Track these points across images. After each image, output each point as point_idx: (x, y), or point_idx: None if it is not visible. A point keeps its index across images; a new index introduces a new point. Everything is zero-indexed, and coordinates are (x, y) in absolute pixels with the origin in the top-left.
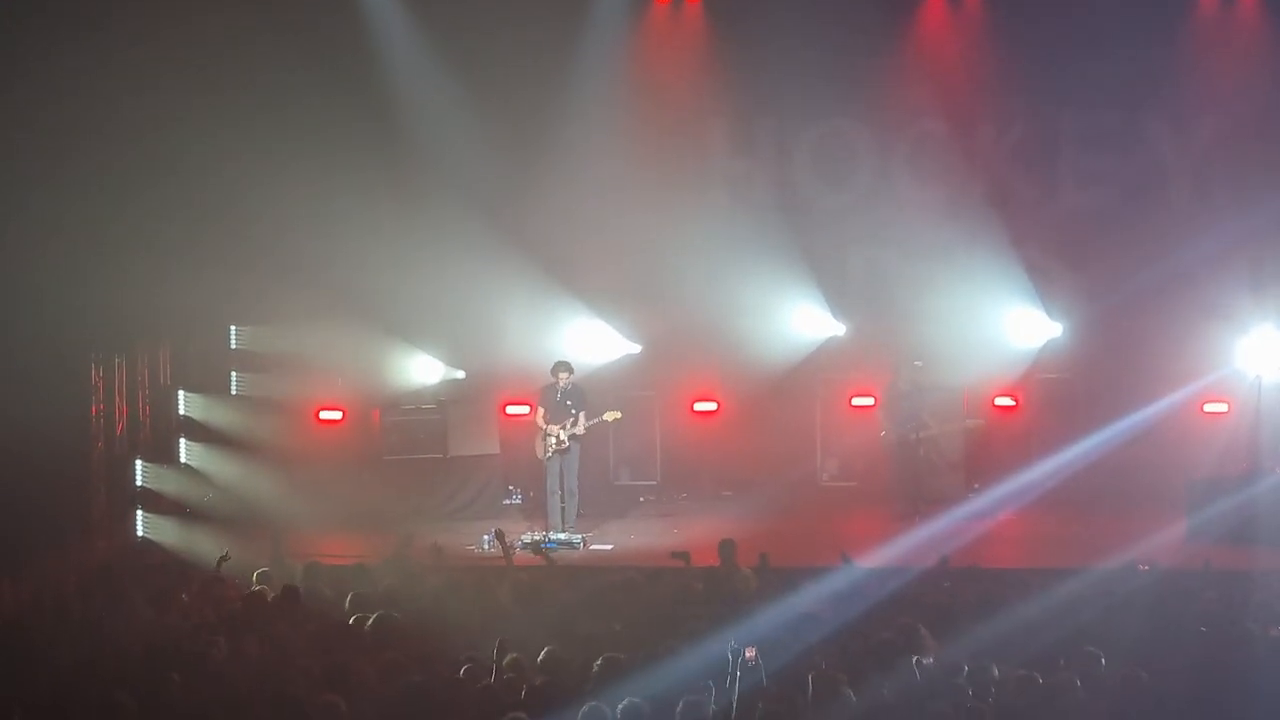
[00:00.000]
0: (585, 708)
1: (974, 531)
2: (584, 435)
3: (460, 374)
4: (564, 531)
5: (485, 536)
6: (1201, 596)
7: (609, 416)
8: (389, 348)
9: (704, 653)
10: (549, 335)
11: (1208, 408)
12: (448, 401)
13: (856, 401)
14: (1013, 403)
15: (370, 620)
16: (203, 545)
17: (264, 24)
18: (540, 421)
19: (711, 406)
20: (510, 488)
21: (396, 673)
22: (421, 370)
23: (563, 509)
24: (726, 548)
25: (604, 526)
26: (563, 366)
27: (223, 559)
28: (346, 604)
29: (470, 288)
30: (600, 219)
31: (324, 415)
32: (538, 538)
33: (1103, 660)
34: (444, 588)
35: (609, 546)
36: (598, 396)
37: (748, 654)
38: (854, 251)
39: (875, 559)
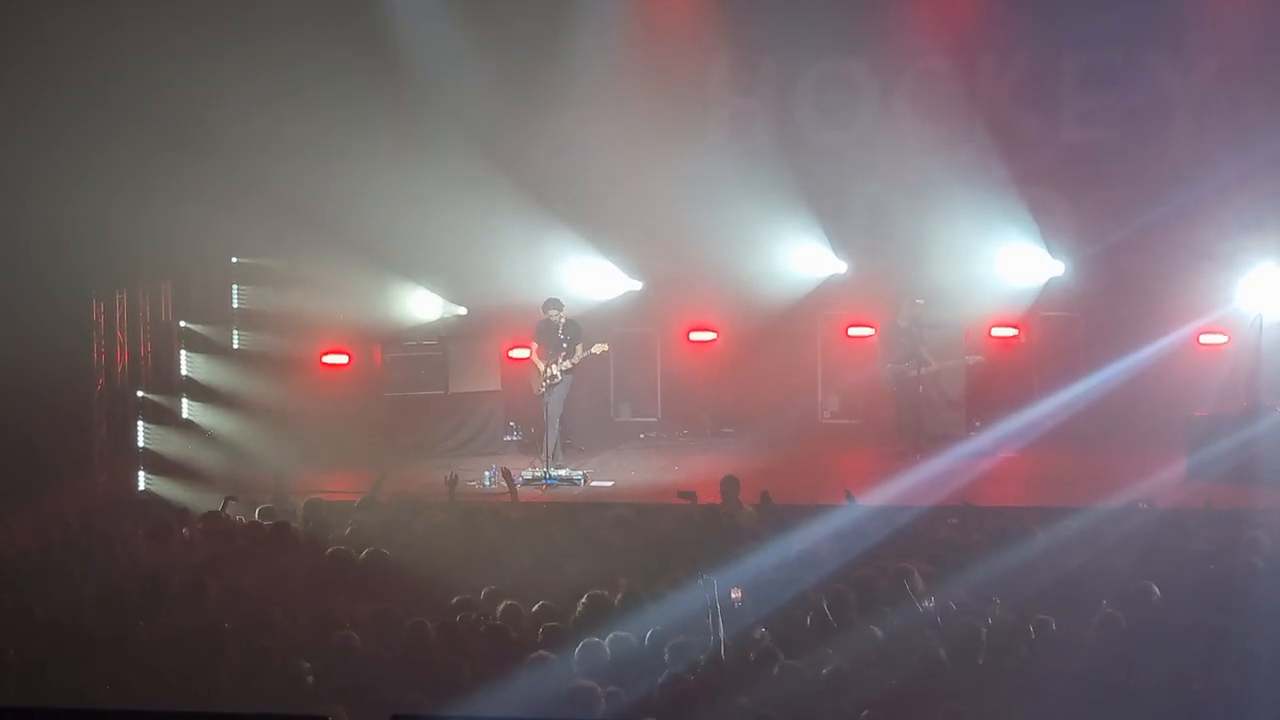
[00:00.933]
0: (581, 644)
1: (975, 470)
2: (574, 369)
3: (461, 310)
4: (561, 466)
5: (487, 472)
6: (1200, 535)
7: (597, 349)
8: (390, 283)
9: (698, 593)
10: (549, 271)
11: (1205, 339)
12: (449, 338)
13: (854, 332)
14: (1014, 332)
15: (362, 555)
16: (206, 497)
17: None
18: (536, 357)
19: (710, 336)
20: (511, 424)
21: (385, 617)
22: (422, 306)
23: (551, 443)
24: (729, 485)
25: (604, 463)
26: (553, 304)
27: (229, 499)
28: (346, 536)
29: (470, 223)
30: (601, 156)
31: (329, 360)
32: (538, 474)
33: (1104, 603)
34: (442, 525)
35: (609, 483)
36: (594, 332)
37: (734, 594)
38: (855, 189)
39: (877, 497)
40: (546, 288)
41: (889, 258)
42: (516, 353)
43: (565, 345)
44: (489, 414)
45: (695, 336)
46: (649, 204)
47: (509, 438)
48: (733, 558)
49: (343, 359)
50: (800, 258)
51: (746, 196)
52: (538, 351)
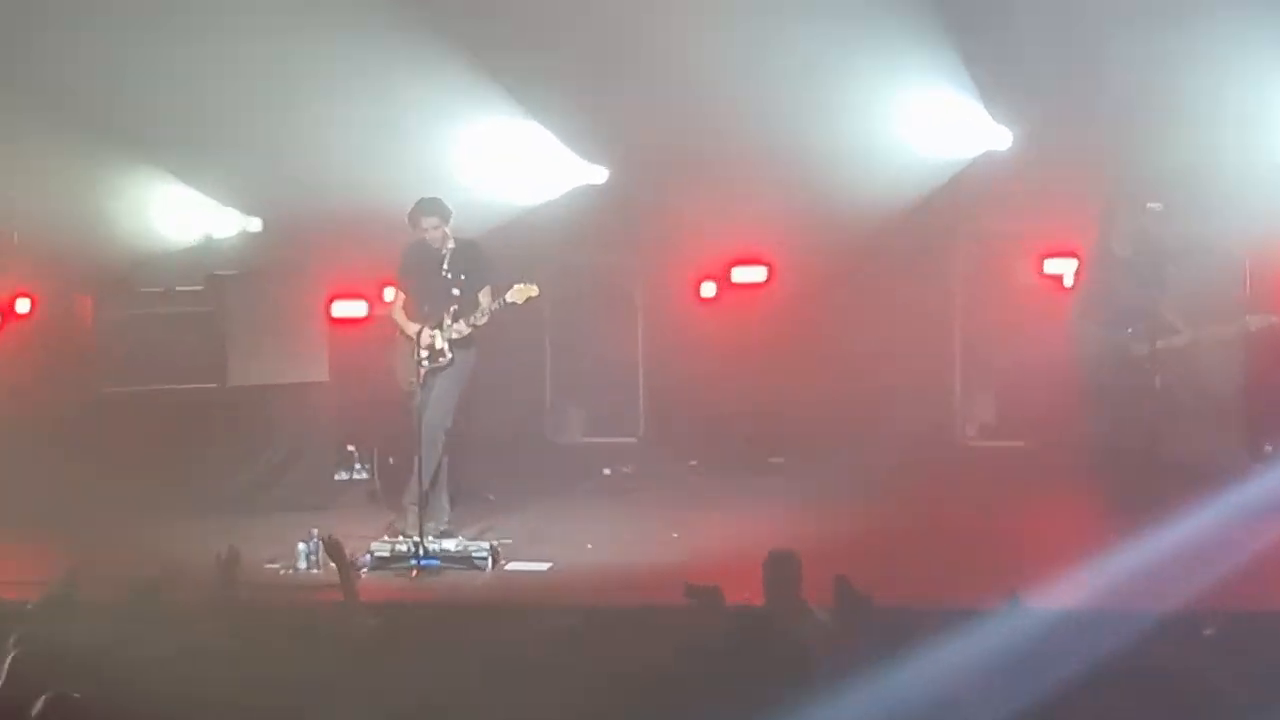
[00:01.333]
0: None
1: (1263, 540)
2: (474, 338)
3: (254, 224)
4: (450, 534)
5: (302, 545)
6: None
7: (516, 295)
8: (114, 176)
9: None
10: (428, 149)
11: None
12: (228, 281)
13: (1051, 267)
14: None
15: (37, 707)
16: None
17: None
18: (401, 316)
19: (753, 276)
20: (349, 449)
21: None
22: (177, 218)
23: (427, 482)
24: (781, 568)
25: (536, 525)
26: (428, 209)
27: None
28: (4, 667)
29: (278, 71)
30: None
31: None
32: (402, 548)
33: None
34: (207, 648)
35: (543, 566)
36: (514, 266)
37: None
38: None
39: (1067, 594)
40: (419, 184)
41: (1090, 124)
42: (352, 308)
43: (458, 292)
44: (306, 430)
45: (707, 291)
46: (627, 21)
47: (345, 475)
48: (789, 714)
49: (23, 305)
50: (926, 123)
51: (819, 11)
52: (405, 305)
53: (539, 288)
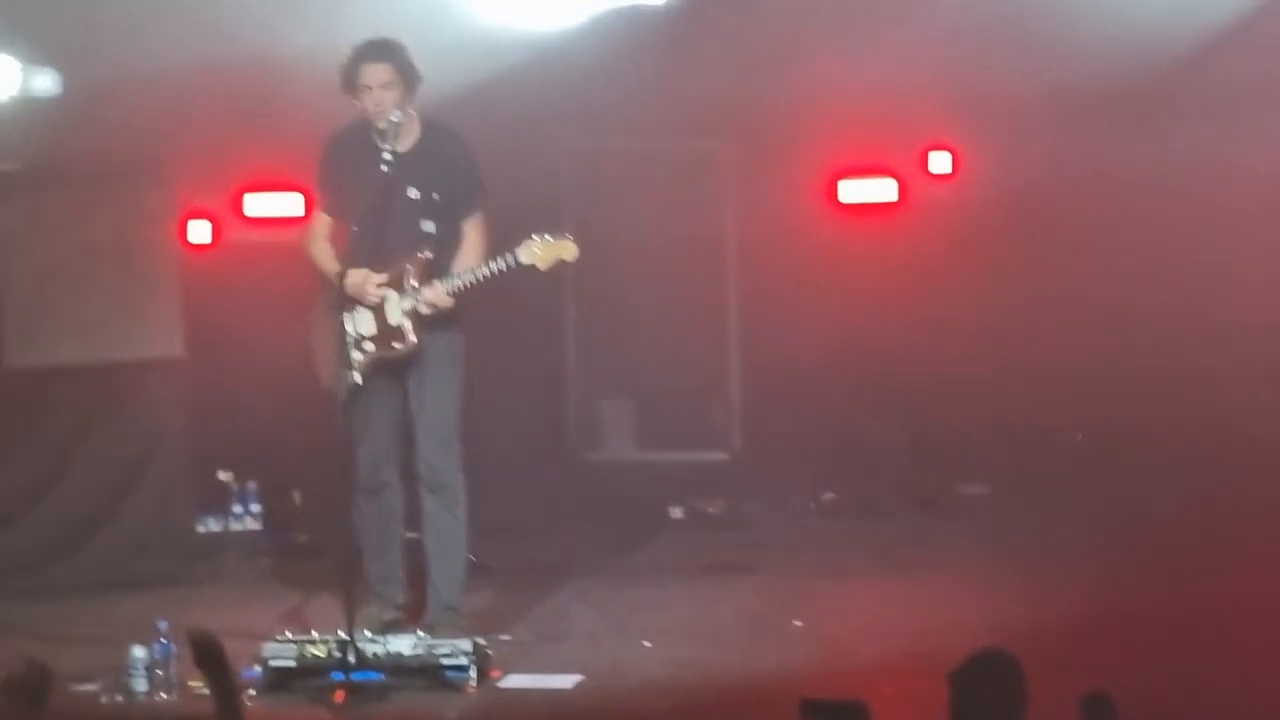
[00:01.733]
0: None
1: None
2: (453, 309)
3: (46, 80)
4: (403, 627)
5: (139, 651)
6: None
7: (536, 255)
8: None
9: None
10: None
11: None
12: (2, 179)
13: None
14: None
15: None
16: None
17: None
18: (321, 252)
19: (944, 163)
20: (221, 477)
21: None
22: None
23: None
24: (980, 679)
25: (553, 601)
26: (375, 52)
27: None
28: None
29: None
30: None
31: None
32: (317, 649)
33: None
34: None
35: (568, 681)
36: (534, 197)
37: None
38: None
39: None
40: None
41: None
42: (197, 228)
43: (431, 226)
44: (145, 445)
45: (849, 194)
46: None
47: (214, 524)
48: None
49: None
50: None
51: None
52: (333, 235)
53: (576, 244)
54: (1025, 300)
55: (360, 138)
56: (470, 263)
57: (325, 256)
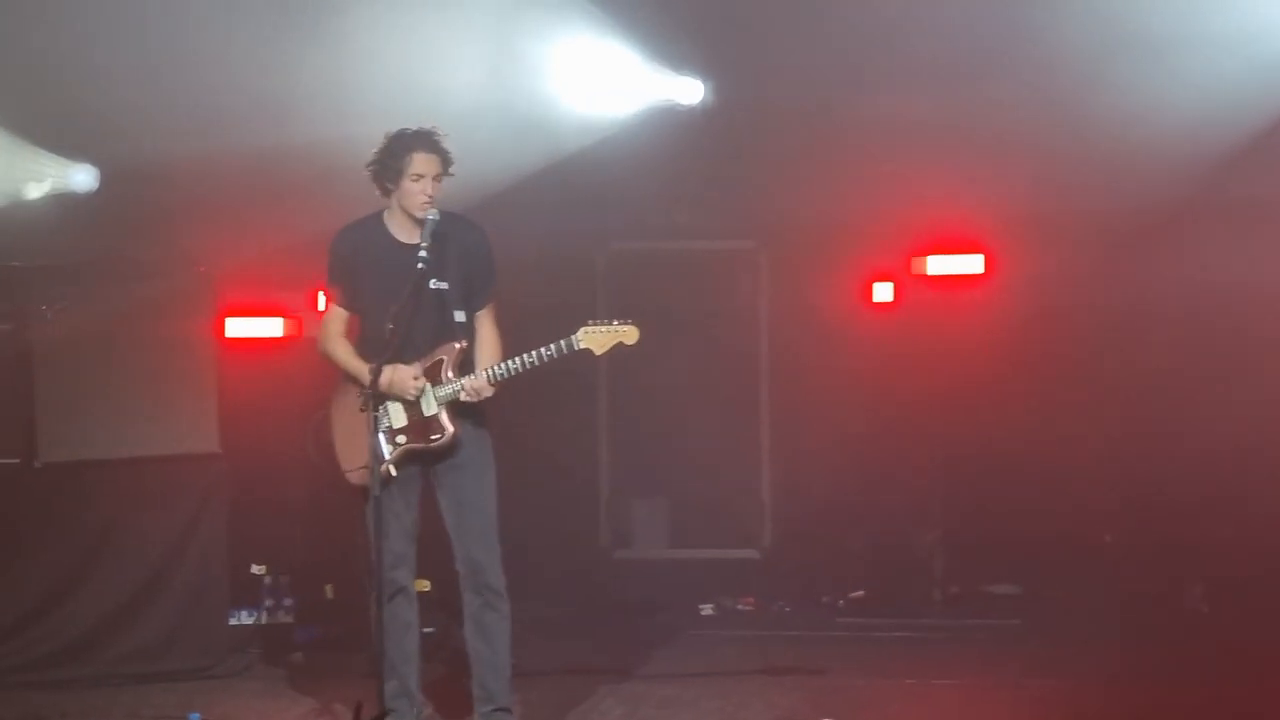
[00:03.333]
0: None
1: None
2: (493, 393)
3: (84, 175)
4: None
5: None
6: None
7: (597, 339)
8: None
9: None
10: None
11: None
12: (36, 278)
13: None
14: None
15: None
16: None
17: None
18: (340, 351)
19: (973, 265)
20: (255, 570)
21: None
22: None
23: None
24: None
25: (579, 709)
26: (424, 142)
27: None
28: None
29: None
30: None
31: None
32: None
33: None
34: None
35: None
36: (576, 280)
37: None
38: None
39: None
40: (380, 104)
41: None
42: (266, 326)
43: (463, 315)
44: (178, 538)
45: (883, 293)
46: None
47: (247, 617)
48: None
49: None
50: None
51: None
52: (350, 330)
53: (637, 328)
54: (1056, 404)
55: (374, 231)
56: (491, 355)
57: (346, 354)
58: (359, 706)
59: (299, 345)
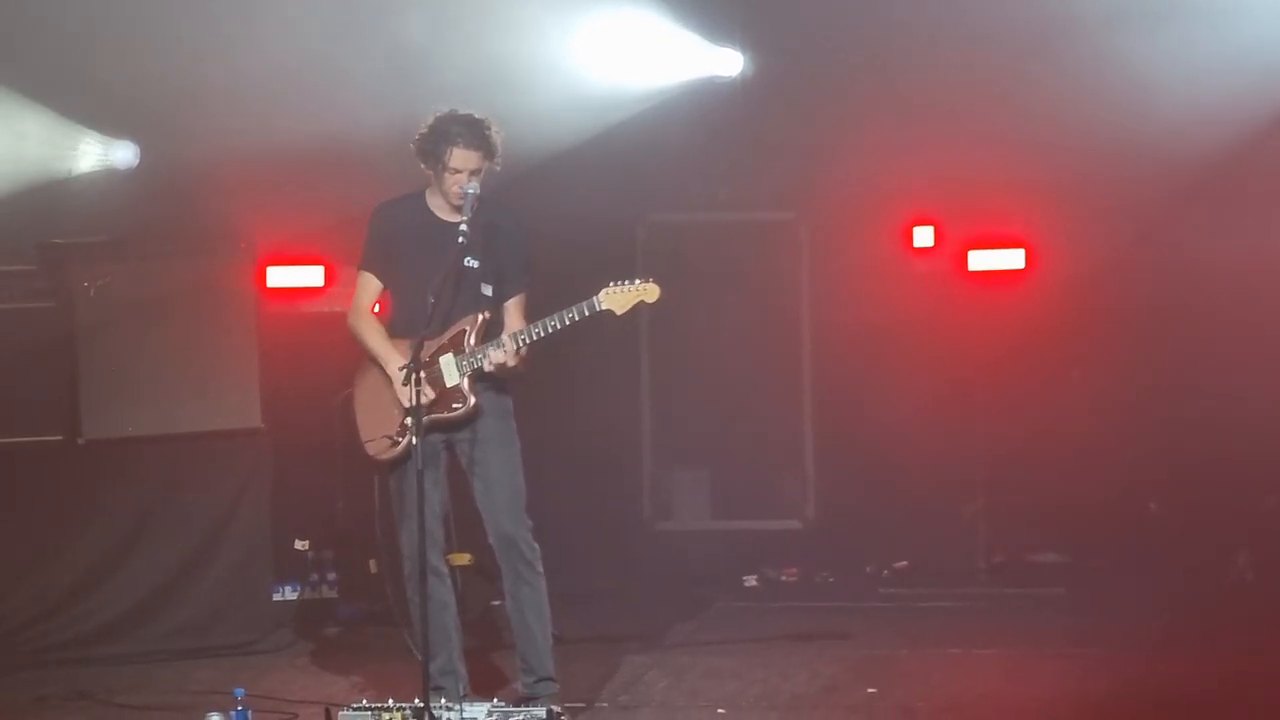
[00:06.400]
0: None
1: None
2: (519, 366)
3: (125, 151)
4: (475, 697)
5: None
6: None
7: (617, 299)
8: None
9: None
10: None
11: None
12: (78, 255)
13: None
14: None
15: None
16: None
17: None
18: (368, 329)
19: (1013, 259)
20: (299, 546)
21: None
22: None
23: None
24: None
25: (626, 672)
26: (469, 132)
27: None
28: None
29: None
30: None
31: None
32: (393, 719)
33: None
34: None
35: None
36: (591, 254)
37: None
38: None
39: None
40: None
41: None
42: (284, 275)
43: (490, 290)
44: (221, 515)
45: (923, 239)
46: None
47: (290, 592)
48: None
49: None
50: None
51: None
52: (380, 305)
53: (657, 285)
54: (1100, 372)
55: (415, 207)
56: (528, 329)
57: (372, 333)
58: (327, 711)
59: (337, 318)
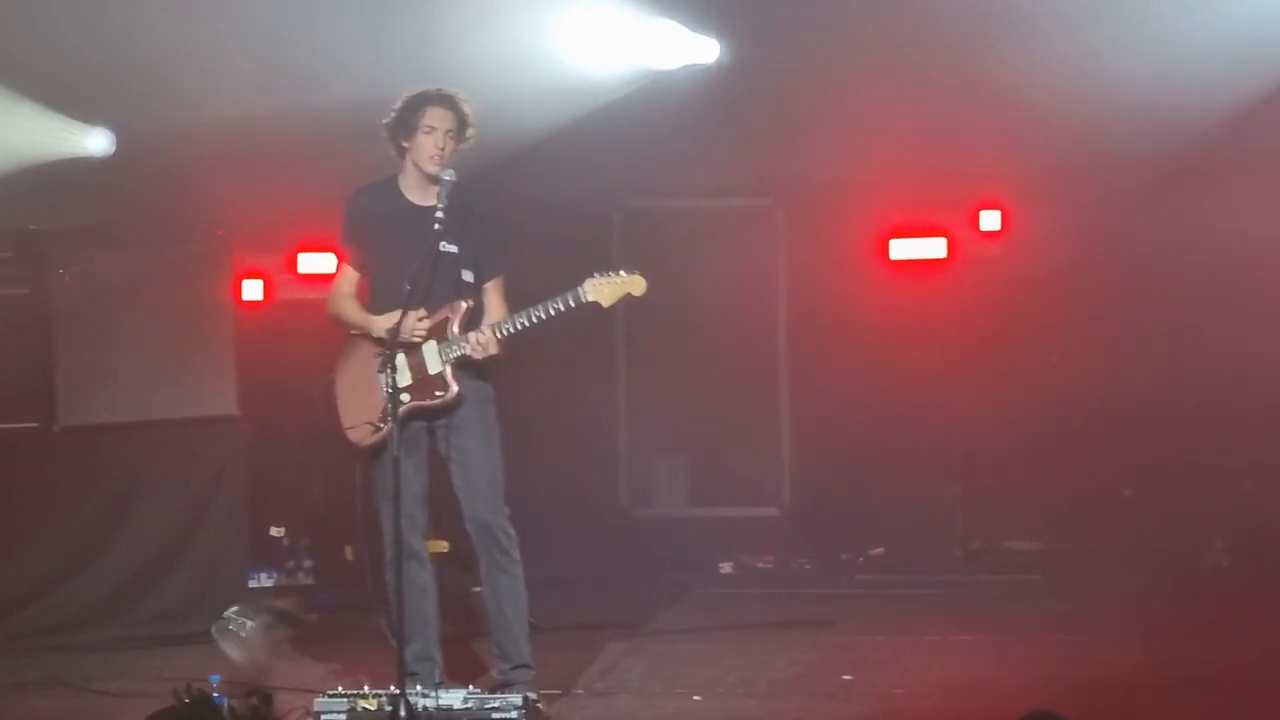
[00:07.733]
0: None
1: None
2: (500, 352)
3: (100, 139)
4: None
5: None
6: None
7: (603, 290)
8: None
9: None
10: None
11: None
12: (54, 242)
13: None
14: None
15: None
16: None
17: None
18: (351, 310)
19: (993, 221)
20: (274, 532)
21: None
22: None
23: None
24: None
25: (604, 659)
26: (437, 99)
27: None
28: None
29: None
30: None
31: None
32: (368, 703)
33: None
34: None
35: None
36: (583, 239)
37: None
38: None
39: None
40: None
41: None
42: (311, 261)
43: (471, 276)
44: (196, 502)
45: (899, 251)
46: None
47: (265, 579)
48: None
49: None
50: None
51: None
52: (360, 291)
53: (644, 279)
54: (1076, 359)
55: (388, 193)
56: (517, 317)
57: (355, 311)
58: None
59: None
